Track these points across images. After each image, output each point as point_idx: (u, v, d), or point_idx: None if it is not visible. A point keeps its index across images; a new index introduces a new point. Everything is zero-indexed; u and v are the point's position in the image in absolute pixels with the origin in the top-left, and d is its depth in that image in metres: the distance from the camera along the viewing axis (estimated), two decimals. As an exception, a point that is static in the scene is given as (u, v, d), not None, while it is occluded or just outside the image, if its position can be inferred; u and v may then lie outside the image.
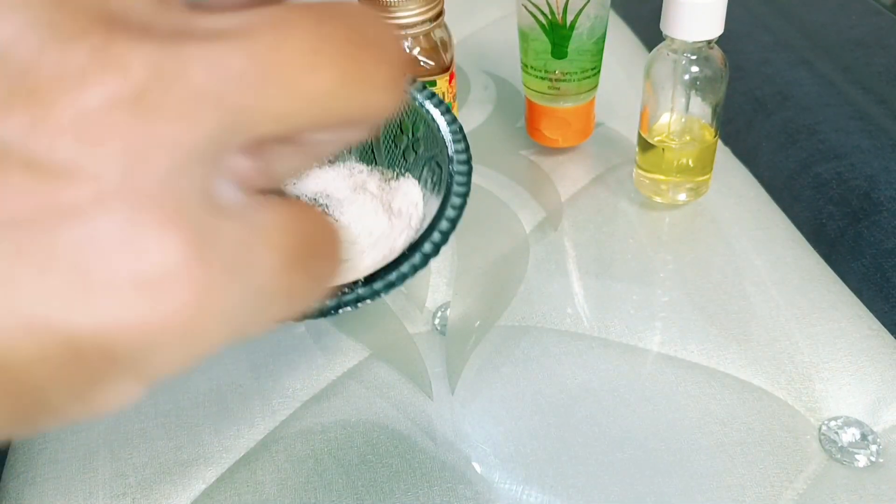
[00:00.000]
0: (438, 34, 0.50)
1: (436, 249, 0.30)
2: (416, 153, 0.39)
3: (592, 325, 0.42)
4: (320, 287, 0.14)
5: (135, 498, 0.36)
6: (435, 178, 0.36)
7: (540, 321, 0.42)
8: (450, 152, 0.34)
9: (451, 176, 0.33)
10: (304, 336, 0.43)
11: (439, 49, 0.50)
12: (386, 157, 0.41)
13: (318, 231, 0.14)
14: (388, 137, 0.41)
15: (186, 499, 0.36)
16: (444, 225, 0.31)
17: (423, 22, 0.47)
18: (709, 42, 0.41)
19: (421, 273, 0.31)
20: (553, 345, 0.41)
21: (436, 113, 0.37)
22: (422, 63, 0.49)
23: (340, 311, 0.29)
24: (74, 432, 0.39)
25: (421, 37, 0.49)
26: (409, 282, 0.30)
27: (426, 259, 0.30)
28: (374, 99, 0.13)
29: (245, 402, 0.40)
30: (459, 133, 0.35)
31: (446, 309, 0.43)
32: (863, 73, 0.57)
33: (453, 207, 0.32)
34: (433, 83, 0.50)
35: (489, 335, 0.41)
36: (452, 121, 0.36)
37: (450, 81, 0.51)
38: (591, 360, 0.40)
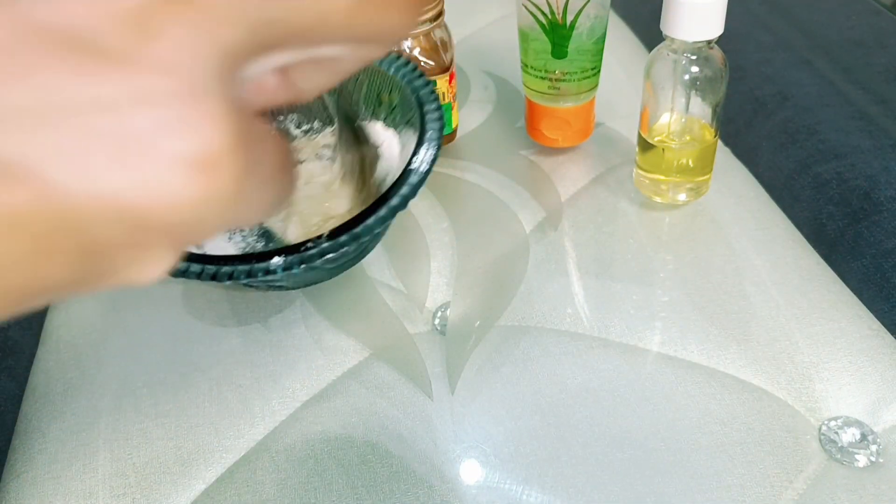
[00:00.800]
0: (438, 34, 0.50)
1: (404, 202, 0.31)
2: (395, 120, 0.41)
3: (592, 325, 0.42)
4: (290, 190, 0.17)
5: (135, 498, 0.36)
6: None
7: (540, 321, 0.42)
8: (423, 113, 0.36)
9: (422, 133, 0.34)
10: (304, 336, 0.43)
11: (439, 49, 0.50)
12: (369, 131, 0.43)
13: (286, 146, 0.17)
14: (369, 111, 0.42)
15: (186, 499, 0.36)
16: (412, 178, 0.32)
17: (423, 22, 0.48)
18: (709, 42, 0.41)
19: (389, 227, 0.33)
20: (553, 345, 0.41)
21: (410, 78, 0.38)
22: (422, 63, 0.49)
23: (306, 264, 0.30)
24: (74, 432, 0.39)
25: (421, 37, 0.49)
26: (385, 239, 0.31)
27: (393, 211, 0.31)
28: (390, 19, 0.15)
29: (245, 402, 0.40)
30: (432, 95, 0.37)
31: (446, 309, 0.43)
32: (863, 73, 0.57)
33: (423, 161, 0.33)
34: (433, 83, 0.50)
35: (489, 335, 0.41)
36: (425, 84, 0.38)
37: (450, 81, 0.51)
38: (591, 360, 0.40)
